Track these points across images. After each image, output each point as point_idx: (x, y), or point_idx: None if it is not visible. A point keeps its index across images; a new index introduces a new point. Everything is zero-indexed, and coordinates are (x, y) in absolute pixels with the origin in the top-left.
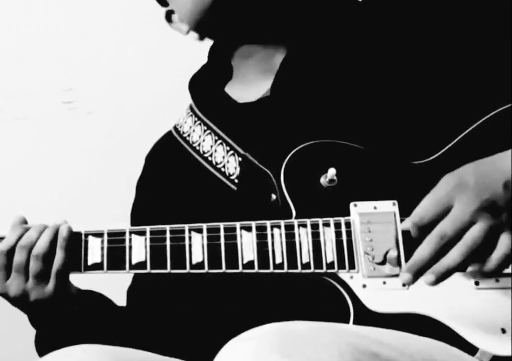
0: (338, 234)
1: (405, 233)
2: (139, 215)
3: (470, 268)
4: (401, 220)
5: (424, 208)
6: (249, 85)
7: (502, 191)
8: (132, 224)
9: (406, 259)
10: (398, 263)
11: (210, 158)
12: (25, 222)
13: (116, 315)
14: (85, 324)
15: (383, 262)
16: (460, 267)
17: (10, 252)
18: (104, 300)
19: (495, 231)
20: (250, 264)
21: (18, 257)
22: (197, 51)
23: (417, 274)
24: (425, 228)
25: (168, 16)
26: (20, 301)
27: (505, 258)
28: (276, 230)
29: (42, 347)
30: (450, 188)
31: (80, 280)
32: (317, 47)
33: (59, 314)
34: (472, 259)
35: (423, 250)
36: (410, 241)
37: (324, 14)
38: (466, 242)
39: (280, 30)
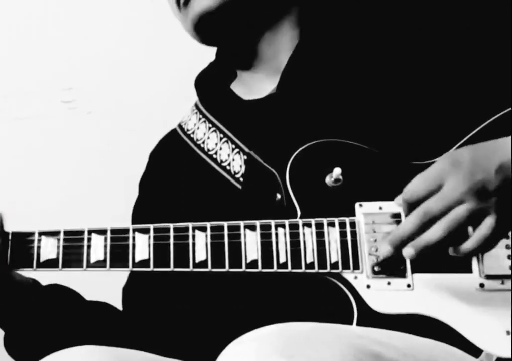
0: (343, 234)
1: None
2: (142, 213)
3: (450, 248)
4: None
5: (415, 185)
6: (255, 83)
7: (495, 174)
8: (134, 221)
9: (412, 264)
10: (404, 269)
11: (215, 156)
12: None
13: (84, 308)
14: (49, 319)
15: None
16: (441, 244)
17: None
18: (68, 292)
19: (481, 214)
20: (253, 264)
21: None
22: (197, 51)
23: (397, 247)
24: (415, 205)
25: None
26: None
27: (485, 239)
28: (280, 229)
29: (9, 345)
30: (443, 167)
31: (80, 278)
32: (324, 45)
33: (13, 306)
34: (455, 240)
35: (406, 224)
36: None
37: (330, 14)
38: (448, 219)
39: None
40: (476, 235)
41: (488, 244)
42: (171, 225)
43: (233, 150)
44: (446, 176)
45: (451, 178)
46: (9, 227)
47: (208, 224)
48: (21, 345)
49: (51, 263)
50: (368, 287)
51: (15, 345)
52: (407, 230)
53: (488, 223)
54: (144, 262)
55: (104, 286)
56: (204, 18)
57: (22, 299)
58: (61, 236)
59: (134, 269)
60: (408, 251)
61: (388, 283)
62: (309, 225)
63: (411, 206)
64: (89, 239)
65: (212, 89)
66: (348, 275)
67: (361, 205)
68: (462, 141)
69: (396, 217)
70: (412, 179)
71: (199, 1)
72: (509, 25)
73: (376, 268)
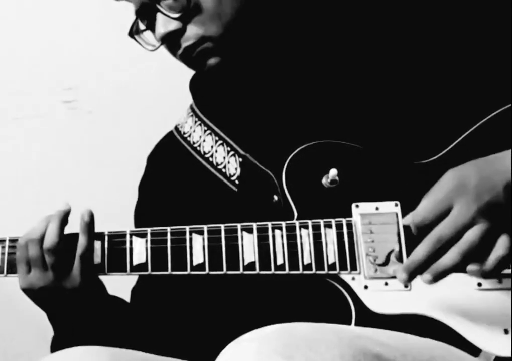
0: (340, 235)
1: (407, 234)
2: (141, 216)
3: (469, 268)
4: None
5: (425, 209)
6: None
7: (503, 193)
8: (136, 224)
9: None
10: (401, 262)
11: (210, 159)
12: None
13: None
14: (103, 326)
15: (385, 263)
16: (458, 268)
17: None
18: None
19: (494, 233)
20: (251, 266)
21: (31, 252)
22: None
23: (413, 274)
24: (425, 228)
25: None
26: (44, 296)
27: (502, 260)
28: (277, 231)
29: (58, 346)
30: (450, 189)
31: None
32: (319, 47)
33: (83, 312)
34: (470, 261)
35: (420, 251)
36: (413, 241)
37: (324, 11)
38: (463, 243)
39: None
40: (494, 257)
41: (506, 263)
42: (168, 229)
43: (228, 152)
44: (454, 198)
45: (459, 201)
46: (8, 228)
47: (205, 227)
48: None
49: None
50: (366, 287)
51: (62, 344)
52: (421, 257)
53: (503, 243)
54: (142, 266)
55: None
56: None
57: (95, 302)
58: None
59: (132, 273)
60: (426, 278)
61: (386, 284)
62: (306, 226)
63: (421, 229)
64: None
65: (207, 92)
66: (346, 276)
67: (357, 206)
68: (459, 139)
69: (392, 217)
70: (420, 202)
71: (210, 60)
72: (509, 23)
73: (374, 269)
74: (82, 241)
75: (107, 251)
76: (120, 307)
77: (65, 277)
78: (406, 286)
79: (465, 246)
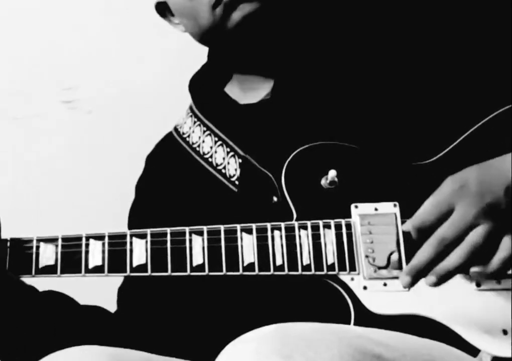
0: (339, 236)
1: (406, 234)
2: (138, 217)
3: (472, 270)
4: (402, 222)
5: (426, 212)
6: (249, 87)
7: (504, 195)
8: (130, 225)
9: (407, 261)
10: (400, 265)
11: (210, 159)
12: None
13: (79, 313)
14: (46, 325)
15: (386, 266)
16: (461, 269)
17: None
18: (63, 298)
19: (496, 235)
20: (250, 267)
21: None
22: (198, 50)
23: (416, 277)
24: (426, 231)
25: None
26: None
27: (506, 261)
28: (276, 232)
29: (2, 351)
30: (451, 192)
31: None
32: (317, 47)
33: (11, 312)
34: (473, 262)
35: (423, 254)
36: (412, 243)
37: (322, 10)
38: (466, 245)
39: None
40: (498, 258)
41: (509, 264)
42: (168, 230)
43: (228, 153)
44: (455, 200)
45: (460, 202)
46: (9, 228)
47: (205, 228)
48: (15, 351)
49: (50, 270)
50: (365, 288)
51: (9, 351)
52: (424, 260)
53: (506, 244)
54: (142, 267)
55: (98, 286)
56: (249, 20)
57: (21, 305)
58: (60, 242)
59: (132, 274)
60: (431, 280)
61: (385, 284)
62: (305, 227)
63: (422, 232)
64: (87, 245)
65: (206, 92)
66: (345, 277)
67: (356, 206)
68: (458, 141)
69: (391, 218)
70: (421, 206)
71: (245, 6)
72: (509, 23)
73: (373, 270)
74: None
75: (107, 252)
76: (63, 304)
77: None
78: (405, 287)
79: (469, 247)
